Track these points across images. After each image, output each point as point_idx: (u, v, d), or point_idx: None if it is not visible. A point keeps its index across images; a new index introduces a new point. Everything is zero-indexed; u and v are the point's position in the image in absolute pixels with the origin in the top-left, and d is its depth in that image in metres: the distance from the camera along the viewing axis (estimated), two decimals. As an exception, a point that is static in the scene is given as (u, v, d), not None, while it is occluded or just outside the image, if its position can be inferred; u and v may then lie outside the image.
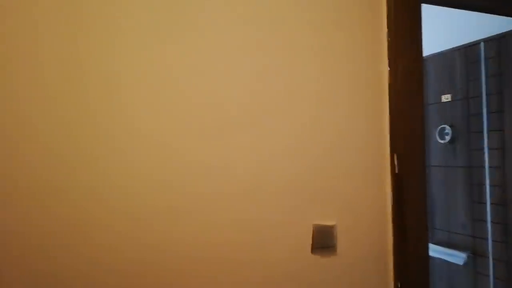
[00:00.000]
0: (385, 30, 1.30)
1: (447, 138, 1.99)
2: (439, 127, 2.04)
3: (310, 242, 1.20)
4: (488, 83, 1.85)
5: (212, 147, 1.09)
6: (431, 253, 2.04)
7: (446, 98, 2.02)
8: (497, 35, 1.82)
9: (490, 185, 1.83)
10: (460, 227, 1.95)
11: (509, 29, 1.78)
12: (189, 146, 1.06)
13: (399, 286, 1.26)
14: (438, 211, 2.05)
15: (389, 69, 1.29)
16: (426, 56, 2.13)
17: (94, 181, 0.97)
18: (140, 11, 1.02)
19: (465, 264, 1.90)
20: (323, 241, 1.21)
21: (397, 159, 1.27)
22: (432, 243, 2.07)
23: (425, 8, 2.25)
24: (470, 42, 1.93)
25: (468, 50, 1.94)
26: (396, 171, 1.27)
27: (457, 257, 1.89)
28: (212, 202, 1.09)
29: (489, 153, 1.84)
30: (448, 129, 1.99)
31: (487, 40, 1.86)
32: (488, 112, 1.84)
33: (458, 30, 2.09)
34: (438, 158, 2.05)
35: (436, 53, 2.09)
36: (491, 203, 1.83)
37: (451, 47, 2.02)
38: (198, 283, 1.06)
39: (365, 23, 1.28)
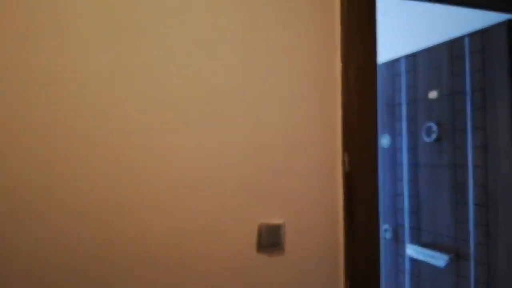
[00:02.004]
0: (338, 26, 1.29)
1: (433, 136, 1.94)
2: (426, 125, 1.98)
3: (257, 240, 1.20)
4: (472, 79, 1.78)
5: (158, 146, 1.11)
6: (415, 255, 1.99)
7: (433, 94, 1.96)
8: (481, 29, 1.75)
9: (473, 185, 1.76)
10: (444, 228, 1.88)
11: (493, 23, 1.71)
12: (135, 145, 1.09)
13: (349, 284, 1.24)
14: (425, 211, 1.99)
15: (342, 66, 1.28)
16: (415, 52, 2.07)
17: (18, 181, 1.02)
18: (84, 11, 1.06)
19: (447, 266, 1.84)
20: (270, 239, 1.21)
21: (348, 157, 1.26)
22: (418, 244, 2.01)
23: (410, 3, 2.19)
24: (456, 37, 1.86)
25: (454, 45, 1.87)
26: (347, 170, 1.26)
27: (439, 259, 1.84)
28: (157, 200, 1.11)
29: (472, 152, 1.77)
30: (434, 127, 1.93)
31: (472, 35, 1.79)
32: (472, 109, 1.78)
33: (445, 24, 2.02)
34: (425, 157, 1.99)
35: (424, 48, 2.03)
36: (474, 204, 1.76)
37: (438, 42, 1.96)
38: (145, 279, 1.09)
39: (318, 19, 1.27)
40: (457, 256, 1.81)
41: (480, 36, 1.74)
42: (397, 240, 2.17)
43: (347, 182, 1.26)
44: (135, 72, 1.10)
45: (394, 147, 2.19)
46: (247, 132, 1.19)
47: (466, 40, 1.81)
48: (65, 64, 1.04)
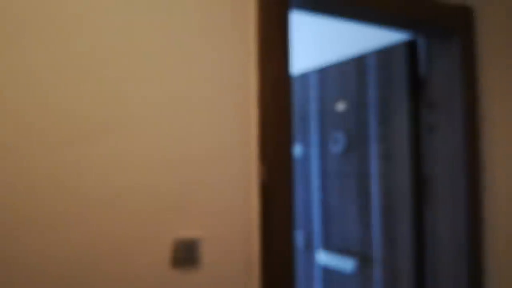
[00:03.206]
0: (253, 37, 1.29)
1: (341, 146, 2.03)
2: (334, 136, 2.07)
3: (170, 256, 1.14)
4: (376, 93, 1.90)
5: (65, 157, 1.01)
6: (325, 261, 2.06)
7: (340, 107, 2.06)
8: (385, 47, 1.88)
9: (377, 193, 1.88)
10: (352, 234, 1.98)
11: (396, 42, 1.85)
12: (40, 155, 0.98)
13: (265, 297, 1.24)
14: (335, 219, 2.07)
15: (257, 77, 1.28)
16: (325, 67, 2.16)
17: None
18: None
19: (355, 270, 1.93)
20: (186, 255, 1.16)
21: (264, 169, 1.25)
22: (328, 251, 2.09)
23: (320, 20, 2.30)
24: (363, 54, 1.98)
25: (361, 61, 1.99)
26: (263, 181, 1.25)
27: (347, 264, 1.92)
28: (61, 215, 1.00)
29: (376, 162, 1.89)
30: (341, 138, 2.03)
31: (377, 52, 1.92)
32: (376, 122, 1.90)
33: (353, 41, 2.14)
34: (334, 166, 2.08)
35: (333, 63, 2.13)
36: (379, 211, 1.87)
37: (346, 58, 2.07)
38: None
39: (232, 30, 1.25)
40: (364, 260, 1.91)
41: (384, 54, 1.87)
42: (308, 247, 2.23)
43: (263, 193, 1.25)
44: (36, 77, 0.99)
45: (306, 157, 2.26)
46: (162, 145, 1.14)
47: (372, 57, 1.93)
48: None
